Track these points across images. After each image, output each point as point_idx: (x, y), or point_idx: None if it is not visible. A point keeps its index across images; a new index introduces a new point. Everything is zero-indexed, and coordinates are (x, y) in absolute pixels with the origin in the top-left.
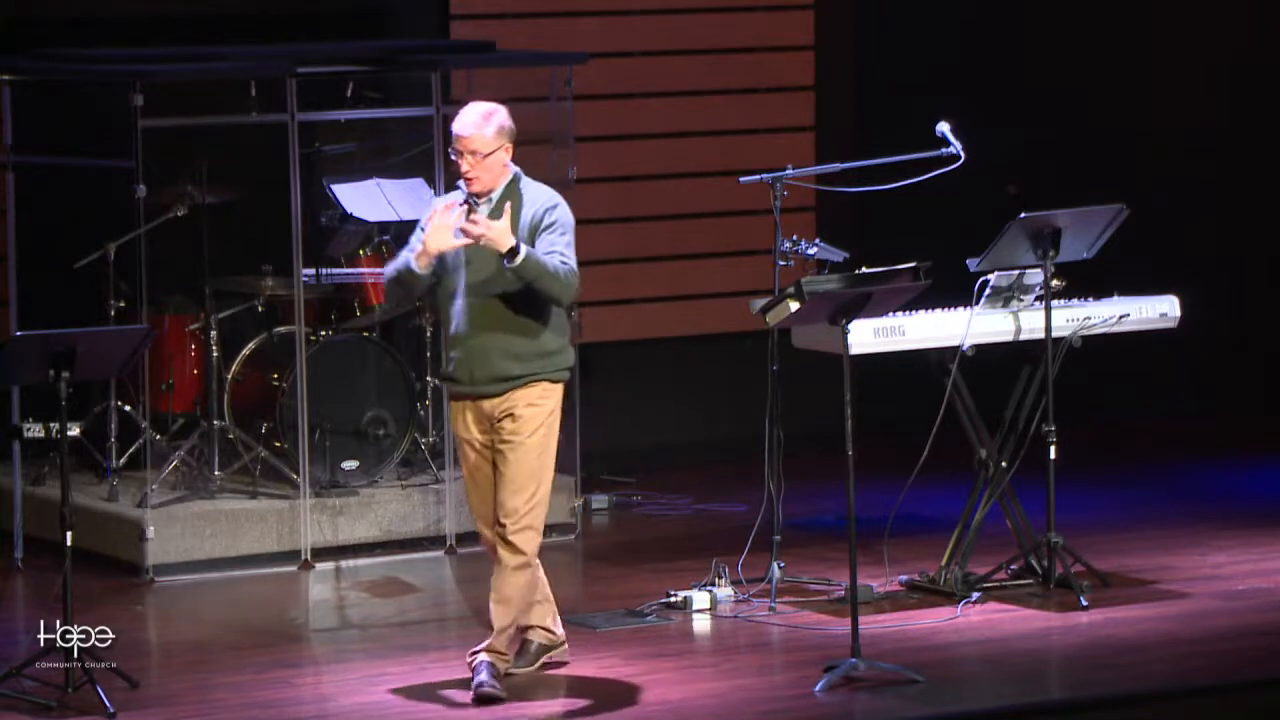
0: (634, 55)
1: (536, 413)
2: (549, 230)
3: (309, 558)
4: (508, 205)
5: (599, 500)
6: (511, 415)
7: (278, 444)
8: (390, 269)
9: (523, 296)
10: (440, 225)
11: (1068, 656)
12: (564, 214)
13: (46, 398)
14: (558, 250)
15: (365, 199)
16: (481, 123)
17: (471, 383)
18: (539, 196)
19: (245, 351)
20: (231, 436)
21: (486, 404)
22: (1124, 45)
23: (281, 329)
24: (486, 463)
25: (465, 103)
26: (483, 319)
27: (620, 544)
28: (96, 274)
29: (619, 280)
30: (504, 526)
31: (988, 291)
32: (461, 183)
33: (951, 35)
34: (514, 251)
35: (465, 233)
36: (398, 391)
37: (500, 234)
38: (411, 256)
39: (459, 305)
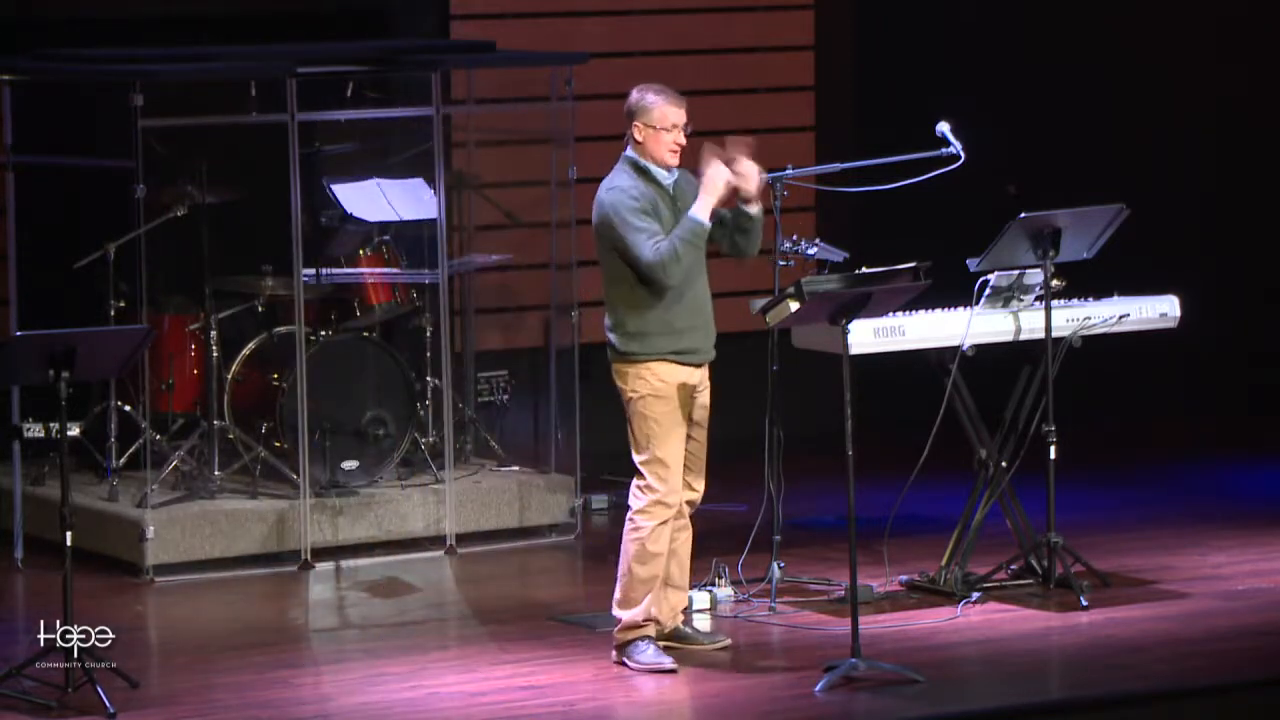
0: (634, 55)
1: None
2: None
3: (309, 558)
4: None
5: (599, 500)
6: (707, 387)
7: (278, 444)
8: (670, 247)
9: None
10: (719, 167)
11: (1068, 656)
12: None
13: (46, 398)
14: None
15: (365, 199)
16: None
17: (706, 350)
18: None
19: (245, 351)
20: (231, 436)
21: (700, 371)
22: (1124, 45)
23: (281, 329)
24: None
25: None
26: (704, 289)
27: (620, 544)
28: (96, 274)
29: None
30: (697, 493)
31: (988, 291)
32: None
33: (951, 35)
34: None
35: (742, 170)
36: (398, 391)
37: (758, 175)
38: (697, 214)
39: (693, 272)
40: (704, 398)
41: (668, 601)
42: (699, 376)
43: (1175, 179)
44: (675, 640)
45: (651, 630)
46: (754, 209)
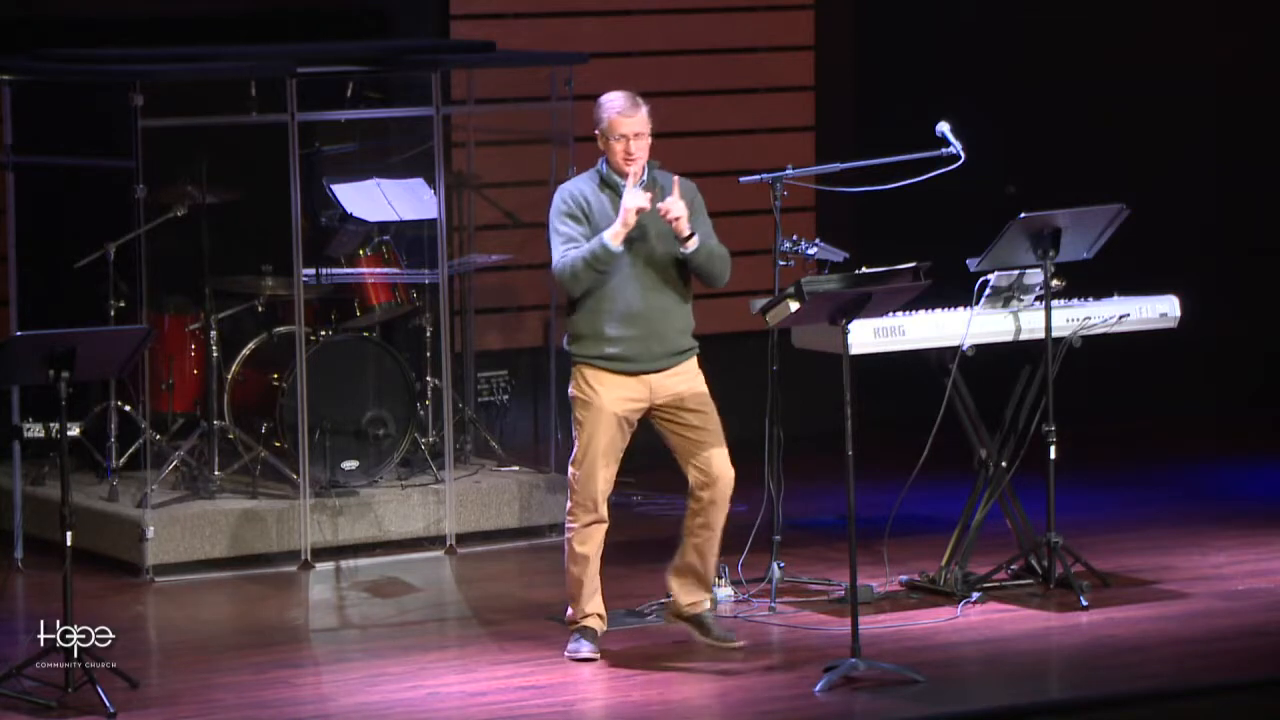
0: (634, 55)
1: (702, 382)
2: (699, 213)
3: (309, 558)
4: (658, 188)
5: None
6: (685, 381)
7: (278, 444)
8: (572, 261)
9: (683, 274)
10: (635, 196)
11: (1068, 656)
12: (701, 198)
13: (46, 398)
14: (709, 231)
15: (365, 199)
16: (641, 106)
17: (646, 361)
18: (677, 180)
19: (245, 351)
20: (231, 436)
21: (653, 378)
22: (1124, 45)
23: (281, 329)
24: (625, 437)
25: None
26: (652, 302)
27: (620, 544)
28: (96, 274)
29: None
30: (715, 479)
31: (988, 291)
32: (602, 167)
33: (951, 35)
34: (690, 238)
35: (663, 210)
36: (398, 391)
37: (686, 219)
38: (606, 238)
39: (628, 284)
40: (690, 387)
41: (684, 589)
42: (645, 386)
43: (1175, 179)
44: (696, 625)
45: (594, 624)
46: (688, 247)
